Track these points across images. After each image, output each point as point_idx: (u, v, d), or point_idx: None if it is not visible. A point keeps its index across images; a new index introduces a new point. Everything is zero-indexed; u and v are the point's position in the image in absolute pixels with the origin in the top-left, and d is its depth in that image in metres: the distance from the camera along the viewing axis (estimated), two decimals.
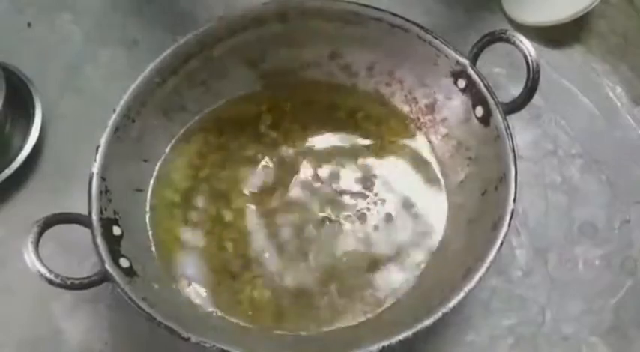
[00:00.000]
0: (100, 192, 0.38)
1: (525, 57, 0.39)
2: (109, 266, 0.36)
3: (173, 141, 0.45)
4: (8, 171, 0.46)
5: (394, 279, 0.41)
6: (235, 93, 0.46)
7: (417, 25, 0.42)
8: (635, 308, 0.43)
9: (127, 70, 0.42)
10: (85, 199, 0.38)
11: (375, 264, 0.42)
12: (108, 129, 0.40)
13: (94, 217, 0.38)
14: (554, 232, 0.45)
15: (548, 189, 0.46)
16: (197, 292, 0.41)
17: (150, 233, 0.42)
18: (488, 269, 0.36)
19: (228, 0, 0.51)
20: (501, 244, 0.36)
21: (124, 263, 0.38)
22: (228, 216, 0.43)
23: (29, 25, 0.54)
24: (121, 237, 0.39)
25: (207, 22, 0.43)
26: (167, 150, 0.44)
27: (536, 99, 0.46)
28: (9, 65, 0.49)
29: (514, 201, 0.37)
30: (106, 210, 0.38)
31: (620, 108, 0.49)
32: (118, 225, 0.39)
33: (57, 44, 0.53)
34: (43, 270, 0.35)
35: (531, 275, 0.44)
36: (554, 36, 0.51)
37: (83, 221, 0.38)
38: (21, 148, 0.47)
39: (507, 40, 0.39)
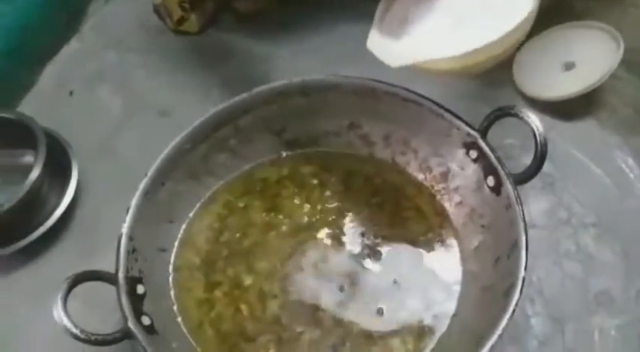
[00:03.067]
0: (128, 252, 0.40)
1: (533, 132, 0.40)
2: (131, 324, 0.38)
3: (198, 204, 0.47)
4: (42, 229, 0.49)
5: None
6: (260, 159, 0.49)
7: (429, 99, 0.44)
8: None
9: (160, 137, 0.45)
10: (112, 258, 0.40)
11: (388, 330, 0.42)
12: (138, 192, 0.42)
13: (121, 275, 0.39)
14: (570, 301, 0.45)
15: (563, 257, 0.46)
16: None
17: (172, 293, 0.43)
18: (500, 336, 0.36)
19: (253, 74, 0.55)
20: (513, 311, 0.36)
21: (146, 320, 0.39)
22: (247, 279, 0.44)
23: (71, 93, 0.58)
24: (144, 295, 0.40)
25: (237, 95, 0.46)
26: (192, 212, 0.47)
27: (549, 168, 0.47)
28: (51, 130, 0.53)
29: (525, 268, 0.38)
30: (132, 268, 0.40)
31: (633, 180, 0.50)
32: (142, 284, 0.41)
33: (96, 112, 0.57)
34: (70, 325, 0.37)
35: (547, 344, 0.43)
36: (566, 109, 0.52)
37: (109, 278, 0.39)
38: (56, 207, 0.50)
39: (516, 115, 0.41)
